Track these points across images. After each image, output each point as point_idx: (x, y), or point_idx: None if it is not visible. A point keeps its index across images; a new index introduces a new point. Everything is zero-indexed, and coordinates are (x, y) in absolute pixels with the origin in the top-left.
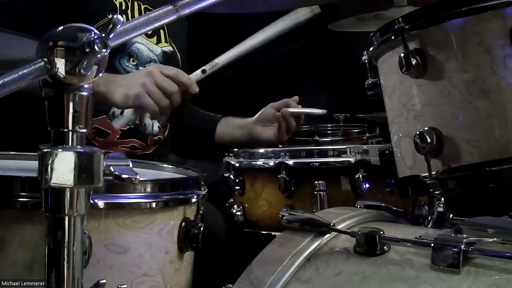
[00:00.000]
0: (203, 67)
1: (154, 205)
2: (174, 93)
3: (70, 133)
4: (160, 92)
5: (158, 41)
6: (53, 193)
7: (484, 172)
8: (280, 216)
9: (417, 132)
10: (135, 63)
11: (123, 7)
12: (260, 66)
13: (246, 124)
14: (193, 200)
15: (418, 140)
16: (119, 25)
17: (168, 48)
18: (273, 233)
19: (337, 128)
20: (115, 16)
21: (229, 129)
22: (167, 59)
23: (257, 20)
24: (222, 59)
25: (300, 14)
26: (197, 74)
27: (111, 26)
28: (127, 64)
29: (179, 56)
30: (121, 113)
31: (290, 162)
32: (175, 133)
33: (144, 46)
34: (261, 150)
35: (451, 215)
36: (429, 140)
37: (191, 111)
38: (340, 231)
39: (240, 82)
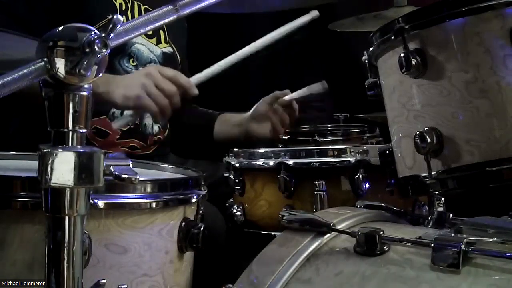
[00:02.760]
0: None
1: (154, 205)
2: (174, 94)
3: (70, 133)
4: (160, 93)
5: (158, 42)
6: (53, 193)
7: (484, 172)
8: (280, 216)
9: (417, 132)
10: (135, 63)
11: (123, 8)
12: (260, 66)
13: (242, 121)
14: (193, 200)
15: (418, 140)
16: (119, 25)
17: (168, 49)
18: (273, 233)
19: (337, 128)
20: (115, 16)
21: (226, 128)
22: (167, 60)
23: (257, 20)
24: (222, 63)
25: (299, 22)
26: (195, 77)
27: (111, 26)
28: (127, 64)
29: (178, 57)
30: (121, 113)
31: (290, 162)
32: (174, 133)
33: (144, 47)
34: (261, 150)
35: (451, 215)
36: (429, 140)
37: (190, 109)
38: (340, 231)
39: (240, 82)
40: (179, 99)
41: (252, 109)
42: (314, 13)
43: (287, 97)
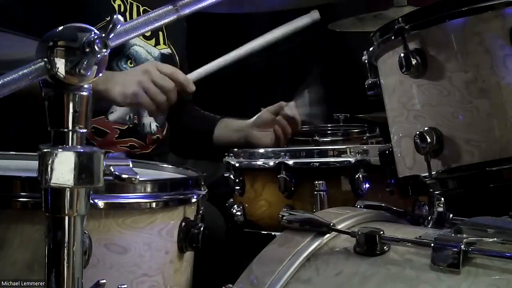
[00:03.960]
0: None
1: (154, 205)
2: (171, 90)
3: (70, 133)
4: (157, 89)
5: (157, 43)
6: (53, 193)
7: (484, 172)
8: (280, 216)
9: (417, 132)
10: (133, 65)
11: (122, 9)
12: (260, 66)
13: (243, 127)
14: (193, 200)
15: (418, 140)
16: (119, 25)
17: (167, 50)
18: (273, 233)
19: (337, 128)
20: (115, 16)
21: (226, 132)
22: (165, 61)
23: (257, 20)
24: (221, 60)
25: (300, 22)
26: (193, 74)
27: (111, 26)
28: (125, 66)
29: (177, 58)
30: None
31: (290, 162)
32: (174, 133)
33: (142, 49)
34: (261, 150)
35: (451, 215)
36: (429, 140)
37: (192, 111)
38: (340, 231)
39: (240, 82)
40: (176, 95)
41: (255, 116)
42: (315, 15)
43: (288, 111)
